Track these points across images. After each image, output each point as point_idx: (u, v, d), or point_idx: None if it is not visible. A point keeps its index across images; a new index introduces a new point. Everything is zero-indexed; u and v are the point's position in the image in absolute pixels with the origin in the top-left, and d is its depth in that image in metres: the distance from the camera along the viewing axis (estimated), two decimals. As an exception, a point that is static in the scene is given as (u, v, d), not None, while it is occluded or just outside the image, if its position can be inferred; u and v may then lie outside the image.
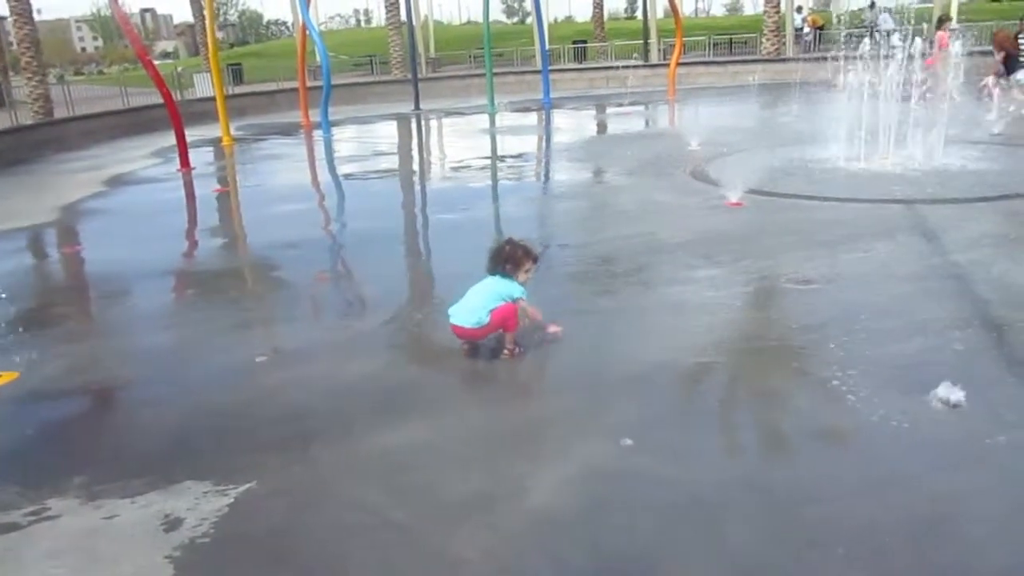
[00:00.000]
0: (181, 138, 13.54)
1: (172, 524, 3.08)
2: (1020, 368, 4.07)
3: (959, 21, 23.84)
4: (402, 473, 3.38)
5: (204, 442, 3.80)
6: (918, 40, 10.27)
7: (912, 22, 11.37)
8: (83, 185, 12.45)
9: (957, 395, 3.65)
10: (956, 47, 14.92)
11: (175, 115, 13.70)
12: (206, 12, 18.66)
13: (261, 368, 4.68)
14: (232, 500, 3.21)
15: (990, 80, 15.50)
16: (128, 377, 4.84)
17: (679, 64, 22.75)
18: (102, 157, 16.04)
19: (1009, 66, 13.81)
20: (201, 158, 14.64)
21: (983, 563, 2.67)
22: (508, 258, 4.54)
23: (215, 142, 16.94)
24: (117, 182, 12.83)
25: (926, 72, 14.12)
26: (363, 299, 6.33)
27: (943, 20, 15.45)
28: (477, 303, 4.46)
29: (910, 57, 10.03)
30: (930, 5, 28.70)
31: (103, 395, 4.64)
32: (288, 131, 19.36)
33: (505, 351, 4.52)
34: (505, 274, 4.53)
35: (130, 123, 20.12)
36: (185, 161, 13.44)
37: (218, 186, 11.91)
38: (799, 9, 34.12)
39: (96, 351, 5.31)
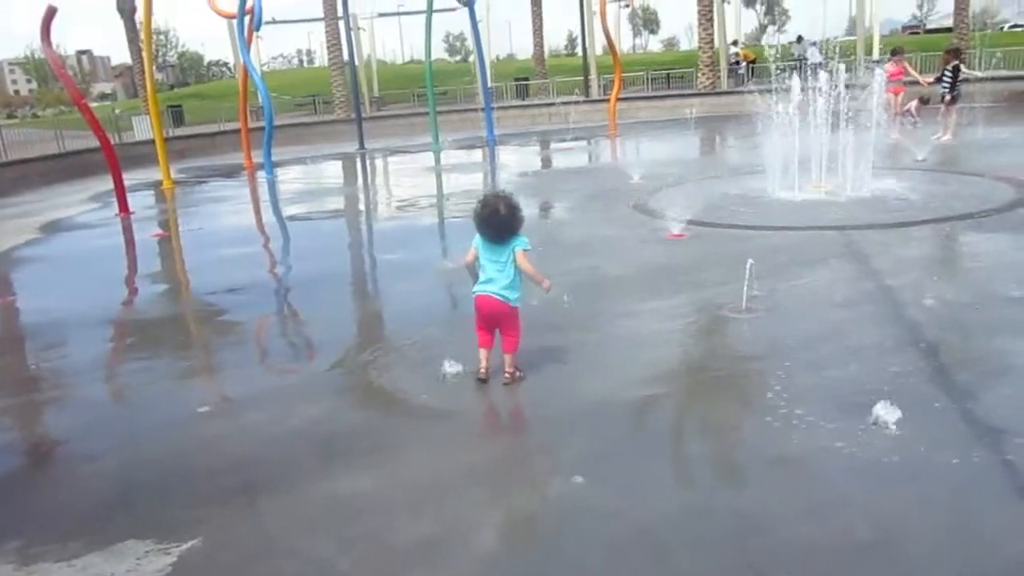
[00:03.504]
0: (119, 182, 13.27)
1: (111, 587, 2.97)
2: (953, 388, 4.21)
3: (880, 53, 25.00)
4: (350, 522, 3.32)
5: (145, 497, 3.69)
6: (842, 69, 10.69)
7: (836, 55, 11.89)
8: (16, 232, 12.09)
9: (894, 416, 3.77)
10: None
11: (112, 159, 13.44)
12: (144, 53, 18.44)
13: (204, 418, 4.57)
14: (175, 559, 3.11)
15: (913, 105, 16.29)
16: (64, 432, 4.69)
17: (619, 99, 23.26)
18: (36, 203, 15.62)
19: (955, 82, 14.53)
20: (141, 202, 14.37)
21: (925, 583, 2.74)
22: (507, 226, 4.44)
23: (155, 185, 16.65)
24: (52, 228, 12.50)
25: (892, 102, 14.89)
26: (309, 343, 6.25)
27: (896, 52, 16.24)
28: (504, 273, 4.43)
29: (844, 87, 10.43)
30: (853, 38, 30.05)
31: (38, 451, 4.47)
32: (230, 173, 19.15)
33: (506, 374, 4.54)
34: (513, 235, 4.46)
35: (66, 167, 19.64)
36: (124, 206, 13.16)
37: (158, 231, 11.68)
38: (735, 42, 35.32)
39: (30, 405, 5.12)
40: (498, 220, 4.42)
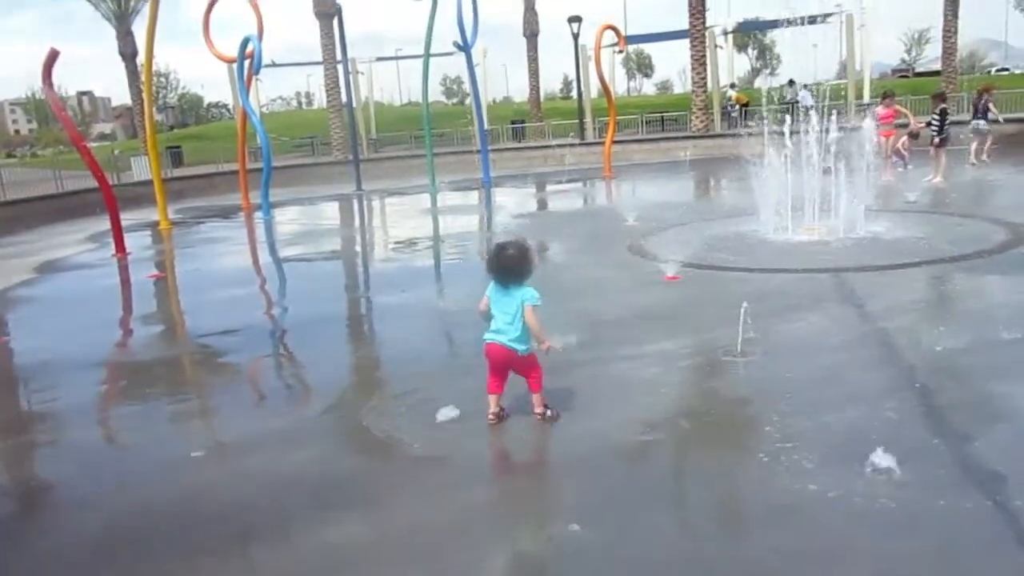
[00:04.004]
0: (116, 222, 13.32)
1: (99, 639, 2.91)
2: (950, 432, 4.20)
3: (871, 97, 25.42)
4: (343, 570, 3.28)
5: (135, 545, 3.64)
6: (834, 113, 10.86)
7: (828, 99, 12.07)
8: (12, 272, 12.09)
9: (892, 462, 3.75)
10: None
11: (110, 199, 13.51)
12: (144, 95, 18.67)
13: (197, 463, 4.53)
14: (164, 609, 3.07)
15: (903, 142, 16.54)
16: (54, 476, 4.64)
17: (614, 142, 23.52)
18: (33, 243, 15.65)
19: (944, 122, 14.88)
20: (138, 243, 14.41)
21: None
22: (514, 270, 4.45)
23: (152, 226, 16.71)
24: (48, 268, 12.50)
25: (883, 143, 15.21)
26: (305, 386, 6.23)
27: (887, 95, 16.65)
28: (513, 326, 4.44)
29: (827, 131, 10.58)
30: (844, 82, 30.53)
31: (26, 497, 4.41)
32: (228, 214, 19.24)
33: (537, 413, 4.56)
34: (519, 283, 4.47)
35: (64, 207, 19.73)
36: (120, 246, 13.19)
37: (155, 272, 11.69)
38: (732, 85, 35.86)
39: (20, 448, 5.07)
40: (505, 259, 4.47)
